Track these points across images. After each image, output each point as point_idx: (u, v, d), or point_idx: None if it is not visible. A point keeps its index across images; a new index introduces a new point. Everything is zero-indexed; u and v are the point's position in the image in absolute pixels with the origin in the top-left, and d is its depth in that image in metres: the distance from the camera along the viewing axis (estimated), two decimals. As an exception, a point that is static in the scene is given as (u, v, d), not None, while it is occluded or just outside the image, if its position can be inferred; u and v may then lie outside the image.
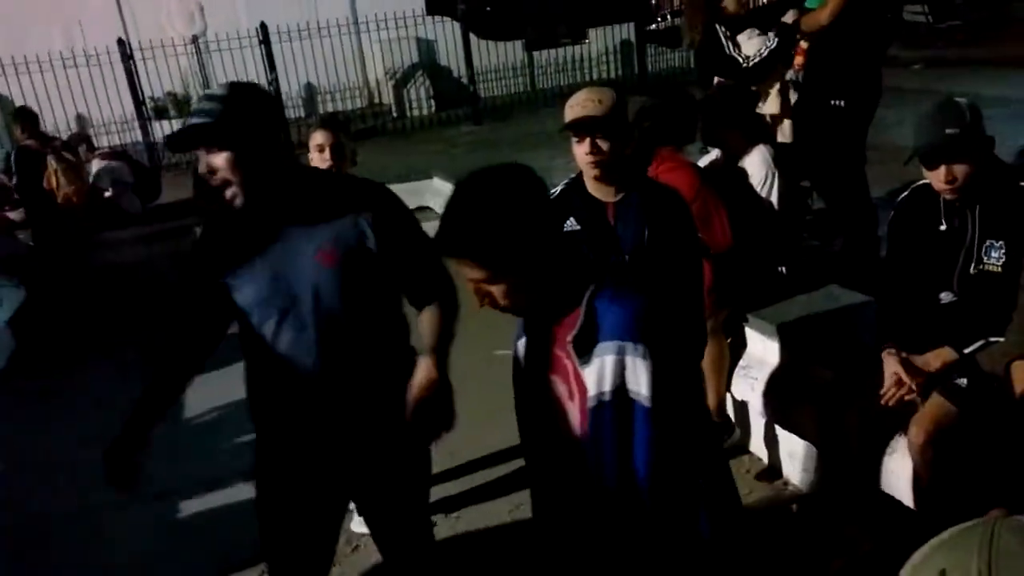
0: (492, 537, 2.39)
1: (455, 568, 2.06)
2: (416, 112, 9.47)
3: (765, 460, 2.59)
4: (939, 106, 1.87)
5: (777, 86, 3.42)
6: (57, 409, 3.63)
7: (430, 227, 1.26)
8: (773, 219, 2.67)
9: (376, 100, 10.22)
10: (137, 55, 8.04)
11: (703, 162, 2.83)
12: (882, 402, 1.91)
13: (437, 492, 2.23)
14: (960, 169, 1.81)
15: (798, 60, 3.47)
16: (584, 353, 1.11)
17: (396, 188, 1.70)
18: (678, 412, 1.12)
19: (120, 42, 8.03)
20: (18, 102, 7.37)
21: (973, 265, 1.90)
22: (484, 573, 2.28)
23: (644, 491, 1.12)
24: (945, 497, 1.83)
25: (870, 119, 3.28)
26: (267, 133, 1.45)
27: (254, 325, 1.53)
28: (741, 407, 2.66)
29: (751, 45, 3.30)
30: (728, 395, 2.63)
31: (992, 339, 1.84)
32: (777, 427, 2.51)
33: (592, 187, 1.96)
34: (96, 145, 6.36)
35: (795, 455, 2.47)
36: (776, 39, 3.23)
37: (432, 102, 9.63)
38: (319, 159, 2.26)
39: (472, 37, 9.10)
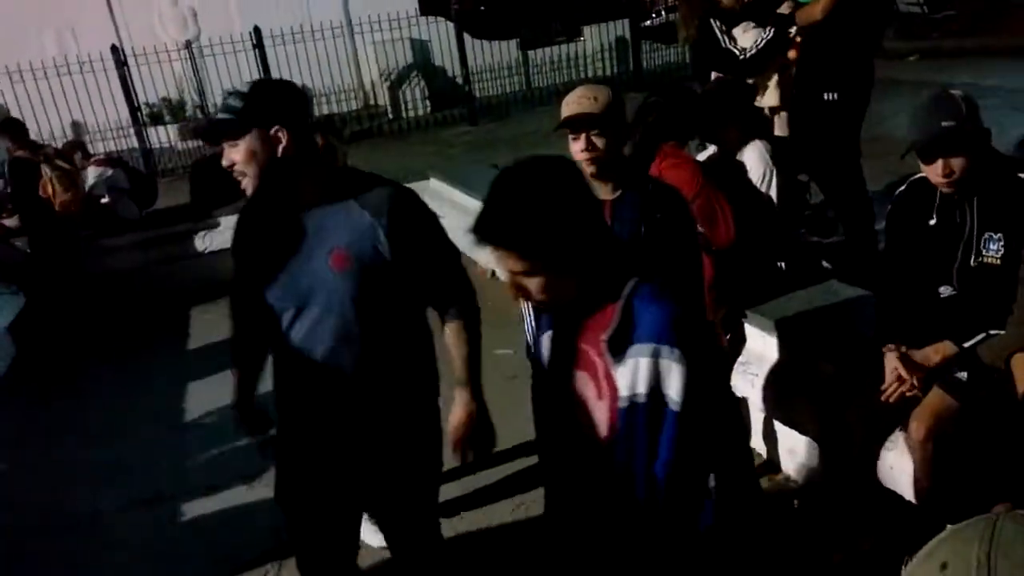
0: (494, 537, 2.39)
1: (458, 568, 2.06)
2: (412, 113, 9.46)
3: (765, 455, 2.59)
4: (934, 98, 1.85)
5: (775, 78, 3.41)
6: (57, 413, 3.64)
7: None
8: (773, 214, 2.67)
9: (371, 102, 10.21)
10: (131, 61, 8.02)
11: (701, 158, 2.82)
12: (882, 398, 1.90)
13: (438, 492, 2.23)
14: (957, 162, 1.80)
15: (791, 53, 3.46)
16: (618, 352, 1.10)
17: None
18: (706, 417, 1.11)
19: (114, 48, 8.01)
20: (13, 110, 7.36)
21: (972, 258, 1.88)
22: (486, 573, 2.27)
23: (661, 491, 1.11)
24: (946, 492, 1.82)
25: (864, 111, 3.27)
26: (288, 128, 1.46)
27: (273, 319, 1.58)
28: (741, 403, 2.65)
29: (747, 38, 3.29)
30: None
31: (992, 332, 1.83)
32: (777, 423, 2.50)
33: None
34: (92, 152, 6.34)
35: (795, 451, 2.47)
36: (772, 30, 3.22)
37: (427, 103, 9.62)
38: None
39: (466, 37, 9.09)
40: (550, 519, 1.35)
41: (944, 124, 1.78)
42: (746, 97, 2.97)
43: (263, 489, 2.74)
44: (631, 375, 1.09)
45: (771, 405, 2.48)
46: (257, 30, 8.15)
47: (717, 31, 3.31)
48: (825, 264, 2.68)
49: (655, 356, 1.07)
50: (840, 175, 3.28)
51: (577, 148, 1.87)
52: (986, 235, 1.87)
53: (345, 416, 1.59)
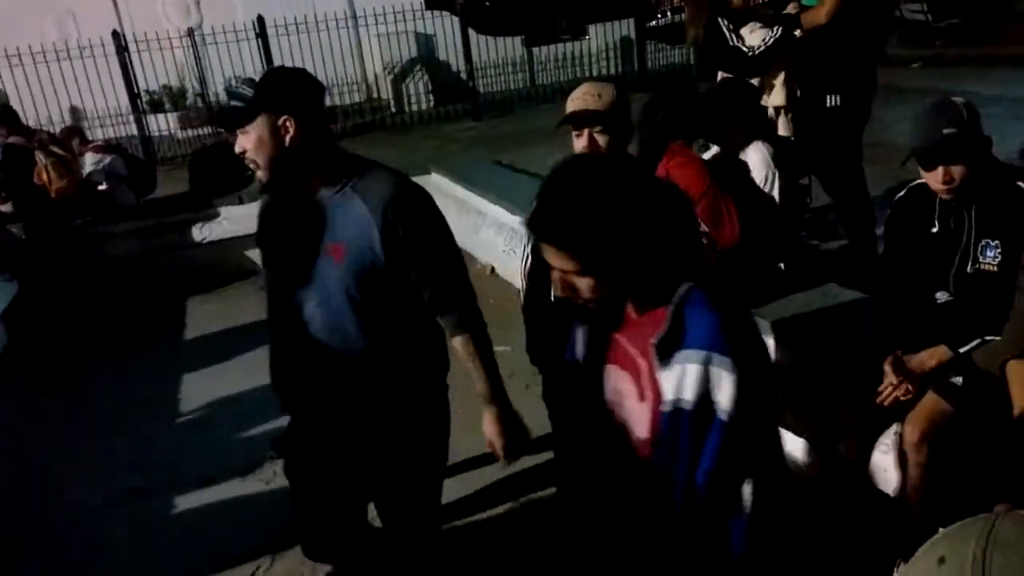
0: (494, 537, 2.38)
1: (456, 567, 2.06)
2: (415, 107, 9.45)
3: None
4: (936, 106, 1.86)
5: (782, 77, 3.41)
6: (52, 403, 3.61)
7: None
8: (775, 214, 2.66)
9: (374, 95, 10.18)
10: (132, 48, 7.99)
11: (705, 158, 2.82)
12: (878, 401, 1.91)
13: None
14: (957, 170, 1.80)
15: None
16: (666, 356, 1.07)
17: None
18: (755, 428, 1.08)
19: (115, 34, 7.98)
20: (11, 94, 7.33)
21: (969, 264, 1.89)
22: (487, 572, 2.27)
23: (700, 498, 1.09)
24: (940, 495, 1.83)
25: (866, 117, 3.28)
26: (296, 118, 1.46)
27: (272, 302, 1.61)
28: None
29: (755, 37, 3.29)
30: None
31: (988, 338, 1.83)
32: (773, 425, 2.50)
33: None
34: (90, 138, 6.31)
35: (791, 453, 2.47)
36: (780, 29, 3.22)
37: (431, 97, 9.60)
38: None
39: (471, 32, 9.08)
40: (568, 516, 1.33)
41: (945, 131, 1.78)
42: (750, 97, 2.97)
43: (257, 483, 2.75)
44: (677, 380, 1.06)
45: (766, 407, 2.47)
46: (261, 19, 8.13)
47: (725, 30, 3.30)
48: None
49: (705, 363, 1.04)
50: (841, 178, 3.29)
51: (579, 145, 1.87)
52: (983, 242, 1.87)
53: (337, 404, 1.61)
